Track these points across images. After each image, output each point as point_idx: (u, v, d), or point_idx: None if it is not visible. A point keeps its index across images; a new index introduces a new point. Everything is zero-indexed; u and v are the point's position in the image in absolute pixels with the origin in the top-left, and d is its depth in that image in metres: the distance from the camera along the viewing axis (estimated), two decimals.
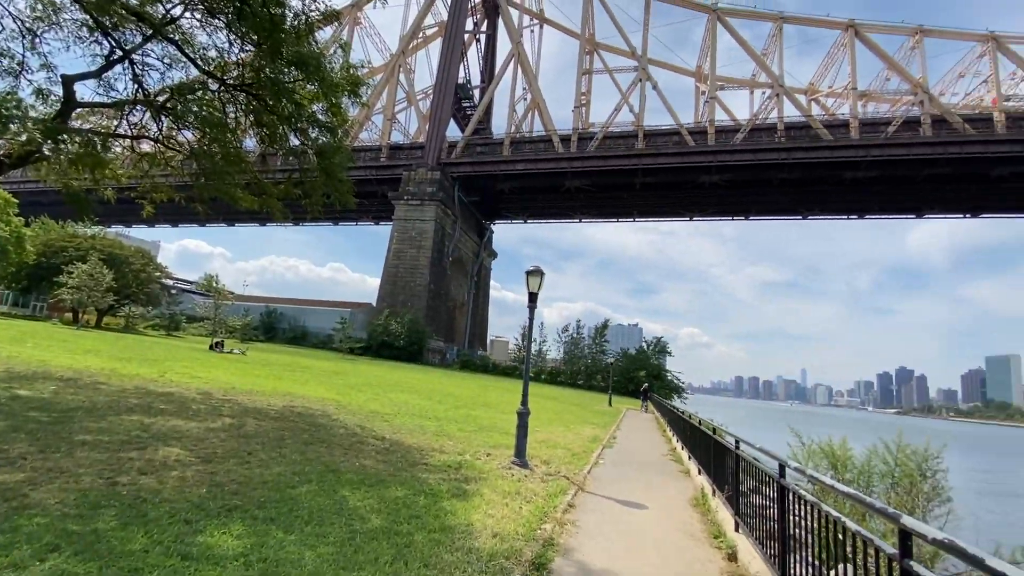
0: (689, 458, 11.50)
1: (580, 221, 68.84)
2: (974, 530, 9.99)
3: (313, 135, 12.36)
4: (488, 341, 78.49)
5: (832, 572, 3.68)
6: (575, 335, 61.58)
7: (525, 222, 71.15)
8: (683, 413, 14.15)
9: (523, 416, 9.05)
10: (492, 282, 79.81)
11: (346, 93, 11.87)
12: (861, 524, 5.34)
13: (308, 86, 11.65)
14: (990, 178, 47.23)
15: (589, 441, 13.77)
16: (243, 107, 11.97)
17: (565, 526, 5.96)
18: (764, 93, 52.45)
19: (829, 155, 47.60)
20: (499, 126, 65.52)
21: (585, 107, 58.32)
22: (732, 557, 5.56)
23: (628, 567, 4.94)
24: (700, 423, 9.71)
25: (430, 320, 53.54)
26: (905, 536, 2.64)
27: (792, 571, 4.16)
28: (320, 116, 12.19)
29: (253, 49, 10.86)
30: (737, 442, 6.21)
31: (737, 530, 5.98)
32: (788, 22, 53.22)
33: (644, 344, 62.28)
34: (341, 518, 4.95)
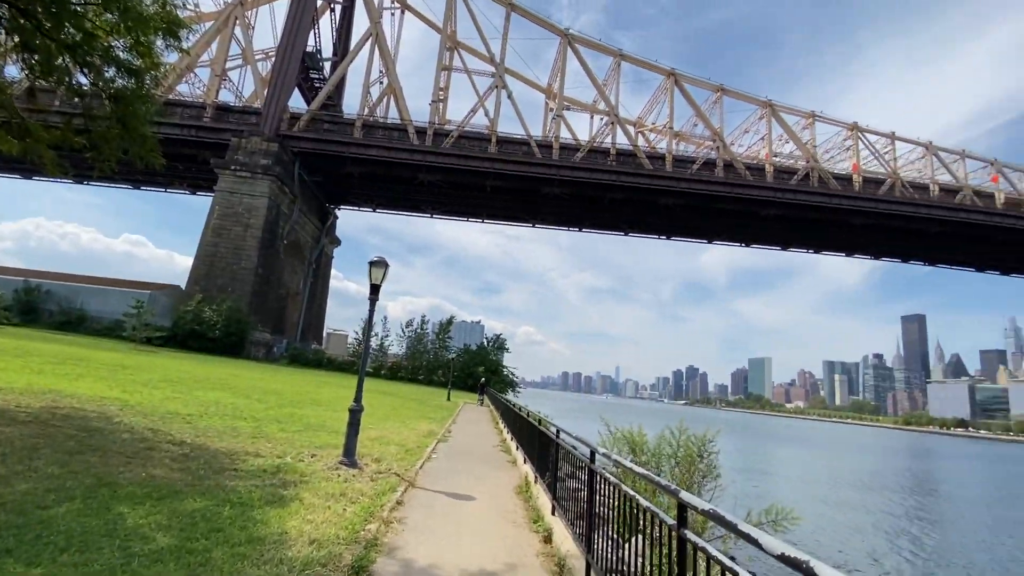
0: (517, 448, 12.20)
1: (431, 216, 68.46)
2: (733, 499, 12.36)
3: (109, 75, 10.06)
4: (325, 334, 73.37)
5: (627, 544, 4.17)
6: (419, 330, 61.06)
7: (374, 210, 68.19)
8: (514, 406, 14.97)
9: (355, 413, 8.62)
10: (333, 271, 74.81)
11: (160, 33, 9.92)
12: (652, 500, 6.24)
13: (106, 14, 9.45)
14: (760, 216, 59.58)
15: (424, 436, 13.73)
16: (5, 22, 9.21)
17: (392, 524, 5.82)
18: (602, 119, 58.44)
19: (649, 182, 55.08)
20: (351, 106, 61.89)
21: (443, 103, 58.16)
22: (548, 539, 6.01)
23: (451, 558, 5.02)
24: (528, 415, 10.37)
25: (256, 309, 47.98)
26: (682, 508, 3.12)
27: (596, 546, 4.64)
28: (121, 54, 9.97)
29: None
30: (557, 431, 6.76)
31: (554, 513, 6.50)
32: (625, 60, 60.16)
33: (485, 341, 64.51)
34: (114, 541, 4.11)
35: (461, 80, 58.94)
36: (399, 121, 55.98)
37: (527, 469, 9.55)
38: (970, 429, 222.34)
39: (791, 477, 37.22)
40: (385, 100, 58.66)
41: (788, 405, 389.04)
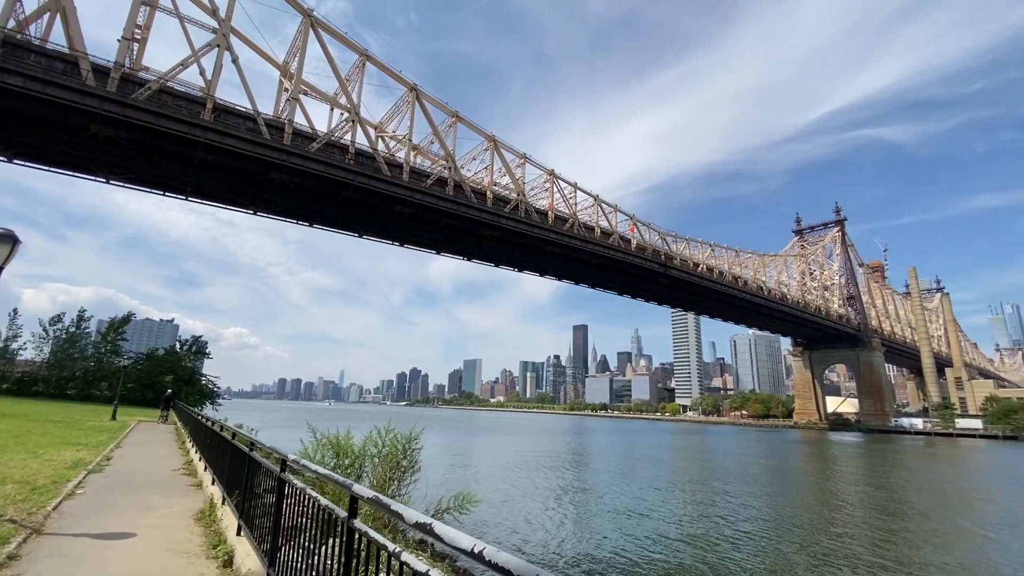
0: (205, 469, 10.77)
1: (108, 182, 52.80)
2: (436, 489, 13.67)
3: None
4: None
5: (324, 548, 4.31)
6: (74, 329, 46.43)
7: (9, 161, 48.46)
8: (206, 420, 13.09)
9: None
10: None
11: None
12: (342, 499, 6.52)
13: None
14: (480, 235, 67.39)
15: (67, 468, 10.71)
16: None
17: None
18: (342, 115, 56.49)
19: (386, 188, 55.83)
20: None
21: (140, 44, 46.15)
22: (228, 563, 5.64)
23: None
24: (222, 429, 9.32)
25: None
26: (354, 500, 3.53)
27: (283, 557, 4.64)
28: None
29: None
30: (251, 444, 6.40)
31: (240, 533, 6.13)
32: (371, 62, 59.69)
33: (179, 344, 53.60)
34: None
35: (169, 24, 48.13)
36: (66, 49, 41.91)
37: (215, 491, 8.60)
38: (609, 410, 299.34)
39: (484, 463, 43.07)
40: (46, 17, 43.06)
41: (492, 400, 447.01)
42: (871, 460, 60.38)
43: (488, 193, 65.65)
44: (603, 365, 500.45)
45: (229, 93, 51.34)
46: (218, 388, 53.17)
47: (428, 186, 59.44)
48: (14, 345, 44.67)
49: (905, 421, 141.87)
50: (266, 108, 50.88)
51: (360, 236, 66.63)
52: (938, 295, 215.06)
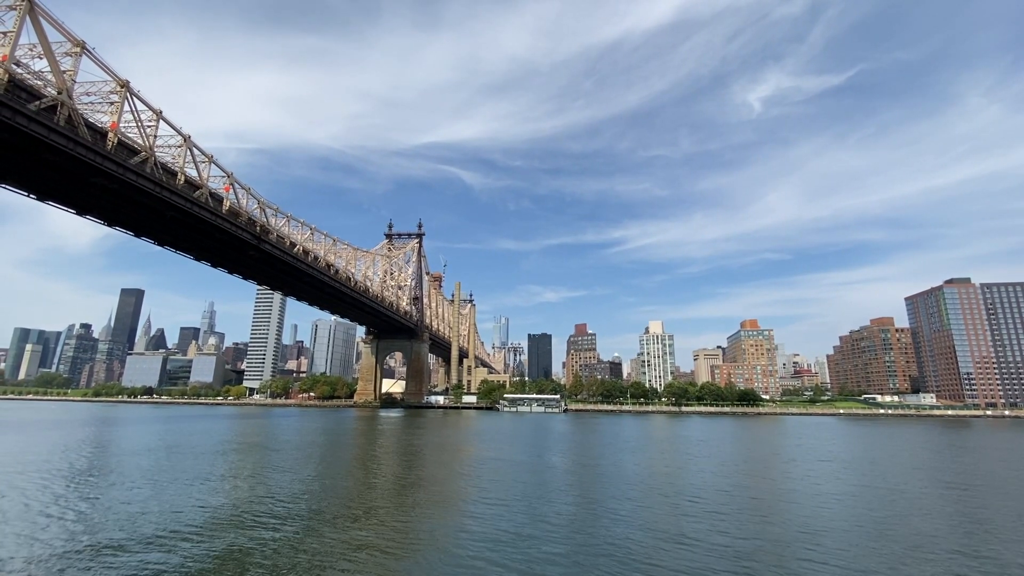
0: None
1: None
2: None
3: None
4: None
5: None
6: None
7: None
8: None
9: None
10: None
11: None
12: None
13: None
14: None
15: None
16: None
17: None
18: None
19: None
20: None
21: None
22: None
23: None
24: None
25: None
26: None
27: None
28: None
29: None
30: None
31: None
32: None
33: None
34: None
35: None
36: None
37: None
38: (156, 395, 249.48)
39: None
40: None
41: None
42: (400, 429, 74.33)
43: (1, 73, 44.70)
44: (158, 341, 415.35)
45: None
46: None
47: None
48: None
49: (433, 398, 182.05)
50: None
51: None
52: (469, 305, 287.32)
